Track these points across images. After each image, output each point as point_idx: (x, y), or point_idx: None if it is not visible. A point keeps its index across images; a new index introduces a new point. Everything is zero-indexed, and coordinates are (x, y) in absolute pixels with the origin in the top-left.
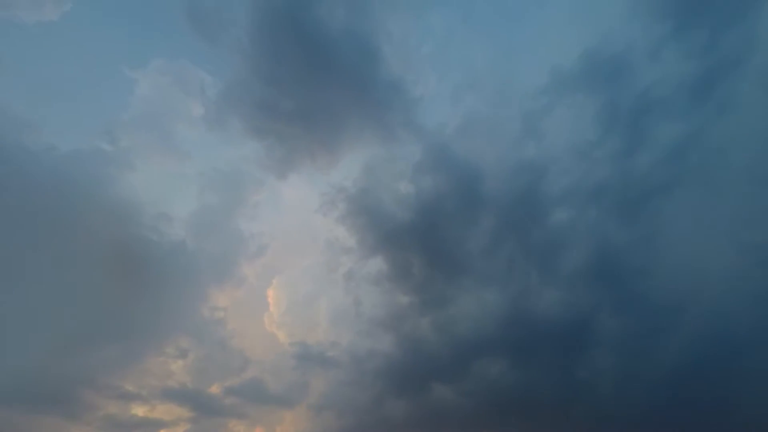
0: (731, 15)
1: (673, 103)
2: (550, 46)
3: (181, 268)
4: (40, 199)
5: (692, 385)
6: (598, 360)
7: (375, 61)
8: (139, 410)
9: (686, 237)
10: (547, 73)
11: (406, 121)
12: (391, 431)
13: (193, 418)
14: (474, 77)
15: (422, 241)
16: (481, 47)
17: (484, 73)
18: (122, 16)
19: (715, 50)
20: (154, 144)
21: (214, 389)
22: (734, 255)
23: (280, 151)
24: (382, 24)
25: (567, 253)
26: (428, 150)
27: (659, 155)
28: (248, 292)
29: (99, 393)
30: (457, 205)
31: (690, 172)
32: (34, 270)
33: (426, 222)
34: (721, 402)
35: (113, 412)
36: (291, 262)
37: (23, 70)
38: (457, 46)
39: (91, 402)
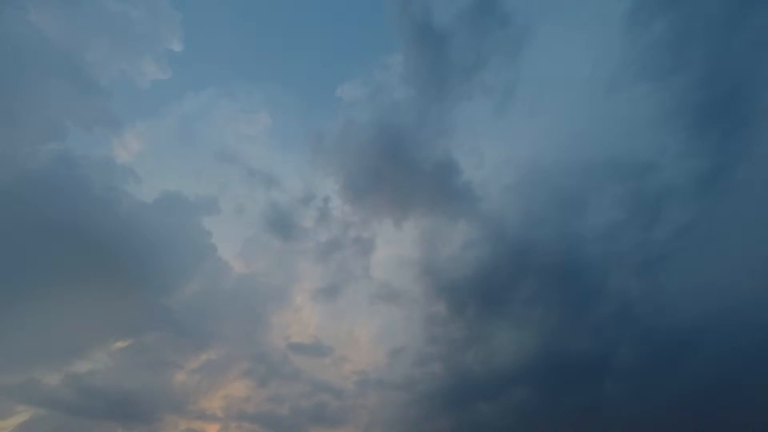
0: (736, 123)
1: (685, 189)
2: (586, 146)
3: (255, 299)
4: (144, 241)
5: (696, 406)
6: (616, 386)
7: (450, 170)
8: (213, 428)
9: (692, 288)
10: (582, 167)
11: (470, 208)
12: None
13: None
14: (523, 172)
15: (475, 291)
16: (530, 151)
17: (532, 169)
18: (210, 75)
19: (723, 149)
20: (238, 189)
21: (284, 410)
22: (732, 300)
23: (365, 214)
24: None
25: (595, 301)
26: (486, 226)
27: (673, 228)
28: (317, 325)
29: (179, 413)
30: (508, 266)
31: (697, 240)
32: (121, 306)
33: (480, 277)
34: (724, 418)
35: (189, 428)
36: (368, 305)
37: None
38: (514, 152)
39: (171, 421)
